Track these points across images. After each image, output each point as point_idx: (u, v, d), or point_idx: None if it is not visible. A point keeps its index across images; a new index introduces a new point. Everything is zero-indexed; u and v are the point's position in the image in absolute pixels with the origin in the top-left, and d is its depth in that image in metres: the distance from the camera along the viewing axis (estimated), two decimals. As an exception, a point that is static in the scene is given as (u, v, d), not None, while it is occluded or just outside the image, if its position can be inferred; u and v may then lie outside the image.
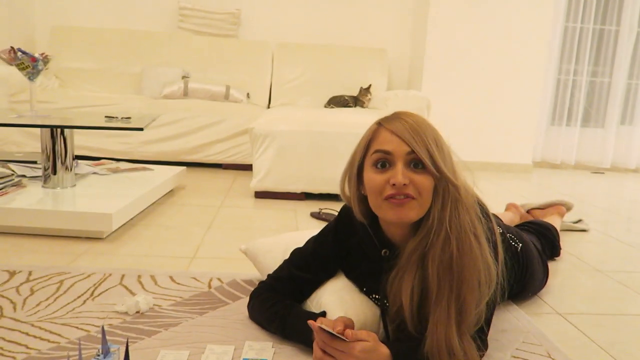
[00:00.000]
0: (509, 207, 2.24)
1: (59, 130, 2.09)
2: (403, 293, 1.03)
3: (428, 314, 1.01)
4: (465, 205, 1.02)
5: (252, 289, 1.42)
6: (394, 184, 0.99)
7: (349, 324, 1.04)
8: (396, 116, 1.05)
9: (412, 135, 0.99)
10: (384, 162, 1.02)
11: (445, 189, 1.00)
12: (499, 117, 4.00)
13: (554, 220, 2.00)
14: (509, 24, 3.89)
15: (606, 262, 1.93)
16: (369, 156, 1.05)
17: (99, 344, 1.08)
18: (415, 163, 1.00)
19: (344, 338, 0.96)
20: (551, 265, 1.82)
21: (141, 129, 1.98)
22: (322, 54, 4.00)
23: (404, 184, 0.98)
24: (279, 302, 1.20)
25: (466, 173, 1.06)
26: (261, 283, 1.28)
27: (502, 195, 2.89)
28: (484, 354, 1.07)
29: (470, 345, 1.00)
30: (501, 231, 1.24)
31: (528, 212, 2.22)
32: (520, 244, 1.41)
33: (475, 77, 3.94)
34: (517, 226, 1.79)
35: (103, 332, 0.69)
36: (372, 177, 1.03)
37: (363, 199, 1.09)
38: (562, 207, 2.18)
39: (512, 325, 1.33)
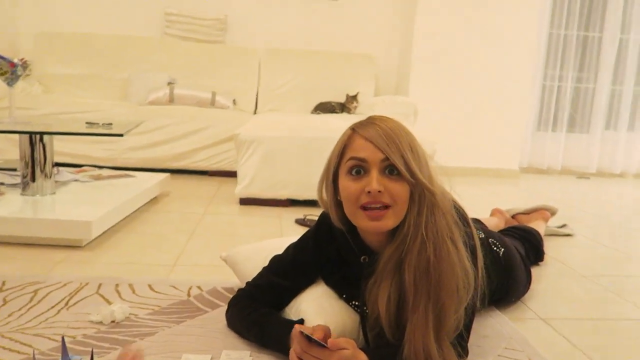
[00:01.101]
0: (494, 212, 2.24)
1: (38, 136, 2.06)
2: (379, 301, 1.02)
3: (406, 320, 1.00)
4: (442, 210, 1.01)
5: (231, 296, 1.40)
6: (369, 192, 0.98)
7: (327, 332, 1.02)
8: (370, 121, 1.03)
9: (387, 142, 0.98)
10: (359, 169, 1.01)
11: (422, 195, 0.99)
12: (486, 122, 4.02)
13: (538, 225, 2.00)
14: (496, 30, 3.92)
15: (591, 266, 1.93)
16: (344, 163, 1.03)
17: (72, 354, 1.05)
18: (390, 170, 0.99)
19: (324, 345, 0.94)
20: (535, 270, 1.82)
21: (121, 135, 1.95)
22: (310, 60, 3.99)
23: (379, 191, 0.97)
24: (257, 310, 1.18)
25: (443, 178, 1.05)
26: (240, 291, 1.26)
27: (489, 201, 2.89)
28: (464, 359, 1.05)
29: (450, 352, 0.99)
30: (482, 236, 1.23)
31: (513, 217, 2.21)
32: (503, 249, 1.40)
33: (463, 83, 3.96)
34: (501, 231, 1.79)
35: (63, 343, 0.66)
36: (347, 185, 1.02)
37: (340, 205, 1.08)
38: (546, 212, 2.18)
39: (495, 330, 1.31)
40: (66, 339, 1.16)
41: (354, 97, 3.69)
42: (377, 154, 0.98)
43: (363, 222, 1.02)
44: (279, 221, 2.35)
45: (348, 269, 1.15)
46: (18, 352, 1.10)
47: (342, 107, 3.70)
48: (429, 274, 0.97)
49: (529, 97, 4.15)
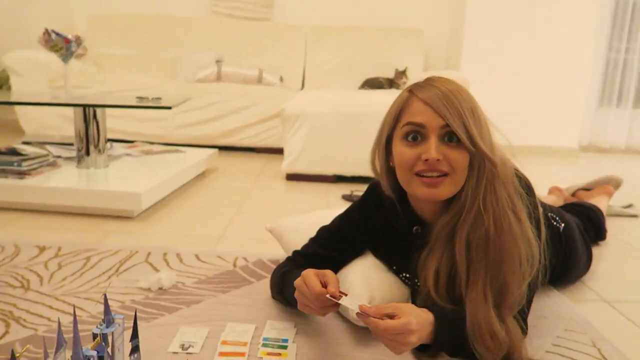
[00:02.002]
0: (552, 190, 2.12)
1: (91, 111, 2.11)
2: (427, 273, 0.97)
3: (460, 295, 0.94)
4: (503, 180, 0.95)
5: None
6: (426, 160, 0.92)
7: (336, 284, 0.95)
8: (429, 83, 0.96)
9: (447, 106, 0.91)
10: (416, 135, 0.95)
11: (481, 164, 0.93)
12: (543, 98, 3.80)
13: (601, 201, 1.86)
14: (554, 3, 3.67)
15: (659, 248, 1.79)
16: (399, 128, 0.98)
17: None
18: (449, 137, 0.93)
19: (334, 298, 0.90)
20: (597, 249, 1.70)
21: (169, 108, 1.97)
22: (357, 36, 3.90)
23: (438, 160, 0.91)
24: (291, 271, 1.13)
25: (504, 143, 0.98)
26: (287, 258, 1.23)
27: (546, 181, 2.74)
28: (525, 335, 0.99)
29: (514, 326, 0.94)
30: (540, 210, 1.15)
31: (573, 195, 2.08)
32: (563, 224, 1.30)
33: (518, 58, 3.75)
34: (559, 207, 1.68)
35: (105, 300, 0.65)
36: (402, 151, 0.96)
37: (392, 172, 1.02)
38: (608, 186, 2.03)
39: (553, 311, 1.23)
40: (115, 304, 1.18)
41: (403, 73, 3.58)
42: (437, 120, 0.92)
43: (418, 190, 0.96)
44: (325, 197, 2.31)
45: (398, 240, 1.10)
46: (70, 314, 1.12)
47: (391, 83, 3.60)
48: (488, 248, 0.91)
49: (590, 71, 3.88)
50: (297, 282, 0.97)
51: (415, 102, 0.96)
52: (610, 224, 1.90)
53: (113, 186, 1.89)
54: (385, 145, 1.02)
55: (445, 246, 0.97)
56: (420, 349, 0.96)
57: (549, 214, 1.28)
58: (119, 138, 3.18)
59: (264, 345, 1.04)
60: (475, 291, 0.92)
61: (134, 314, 0.64)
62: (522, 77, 3.78)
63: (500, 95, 3.75)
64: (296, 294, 0.97)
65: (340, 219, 1.19)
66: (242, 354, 1.01)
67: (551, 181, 2.23)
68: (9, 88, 3.43)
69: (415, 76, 3.59)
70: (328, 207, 2.16)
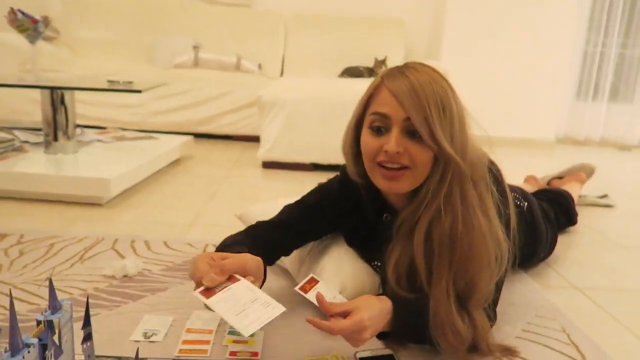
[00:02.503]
0: (528, 179, 2.12)
1: (59, 95, 2.04)
2: (389, 265, 0.96)
3: (421, 287, 0.93)
4: (474, 179, 0.92)
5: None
6: (386, 151, 0.90)
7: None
8: (402, 71, 0.92)
9: (412, 100, 0.88)
10: (380, 127, 0.93)
11: (447, 162, 0.90)
12: (521, 91, 3.82)
13: (572, 187, 1.88)
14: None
15: (630, 238, 1.81)
16: (367, 115, 0.96)
17: (82, 307, 1.03)
18: (413, 131, 0.90)
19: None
20: (568, 237, 1.72)
21: (139, 92, 1.91)
22: (337, 25, 3.85)
23: (398, 153, 0.90)
24: (244, 232, 1.08)
25: (482, 138, 0.96)
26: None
27: (523, 172, 2.75)
28: (493, 324, 0.99)
29: (482, 317, 0.94)
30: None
31: (548, 183, 2.09)
32: (526, 203, 1.32)
33: (498, 50, 3.76)
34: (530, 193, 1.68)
35: (51, 285, 0.62)
36: (367, 140, 0.95)
37: (360, 157, 1.00)
38: (581, 174, 2.04)
39: (523, 297, 1.23)
40: (77, 292, 1.14)
41: (383, 62, 3.56)
42: (400, 112, 0.89)
43: (378, 180, 0.96)
44: (301, 185, 2.29)
45: (369, 227, 1.08)
46: (28, 302, 1.08)
47: (370, 72, 3.57)
48: (455, 246, 0.90)
49: (568, 64, 3.91)
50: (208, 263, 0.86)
51: (383, 91, 0.93)
52: (585, 214, 1.92)
53: (81, 172, 1.83)
54: (355, 129, 1.00)
55: (406, 240, 0.96)
56: (381, 337, 0.95)
57: (513, 194, 1.27)
58: (92, 125, 3.10)
59: (230, 333, 1.01)
60: (438, 288, 0.91)
61: (92, 301, 0.61)
62: (501, 69, 3.79)
63: (479, 87, 3.76)
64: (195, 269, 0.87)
65: (315, 193, 1.16)
66: (207, 342, 0.98)
67: (527, 172, 2.23)
68: (-24, 71, 3.30)
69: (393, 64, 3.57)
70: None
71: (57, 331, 0.61)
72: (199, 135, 3.20)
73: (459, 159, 0.89)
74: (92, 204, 1.81)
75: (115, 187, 1.82)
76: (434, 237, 0.91)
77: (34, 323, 0.88)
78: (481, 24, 3.73)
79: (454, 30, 3.75)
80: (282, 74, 3.82)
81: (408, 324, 0.92)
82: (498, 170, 1.02)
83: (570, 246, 1.64)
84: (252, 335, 1.00)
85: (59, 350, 0.60)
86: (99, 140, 2.37)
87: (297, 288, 0.98)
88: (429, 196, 0.92)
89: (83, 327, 0.68)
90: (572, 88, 4.14)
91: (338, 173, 1.16)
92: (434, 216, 0.91)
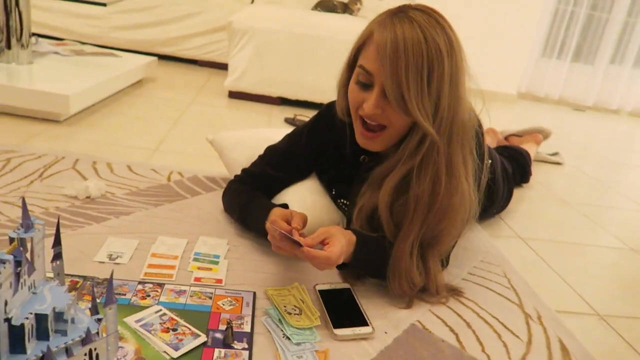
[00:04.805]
0: (488, 131, 2.19)
1: (13, 0, 1.89)
2: (355, 207, 0.99)
3: (378, 231, 0.98)
4: (461, 141, 0.92)
5: (213, 185, 1.37)
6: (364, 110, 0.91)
7: (304, 220, 0.98)
8: (392, 20, 0.86)
9: (390, 63, 0.84)
10: (365, 83, 0.91)
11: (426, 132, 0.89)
12: (488, 42, 3.84)
13: (530, 147, 1.97)
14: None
15: (574, 194, 1.93)
16: (357, 64, 0.93)
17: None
18: None
19: (296, 240, 0.90)
20: (519, 192, 1.81)
21: (104, 5, 1.80)
22: (315, -48, 3.68)
23: (375, 113, 0.90)
24: (245, 193, 1.15)
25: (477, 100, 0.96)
26: (236, 176, 1.21)
27: (484, 111, 2.83)
28: (444, 269, 1.06)
29: (436, 265, 0.99)
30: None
31: (506, 138, 2.18)
32: (490, 161, 1.37)
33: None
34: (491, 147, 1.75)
35: (24, 204, 0.61)
36: (352, 90, 0.95)
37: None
38: (539, 135, 2.14)
39: (473, 244, 1.32)
40: (37, 210, 1.13)
41: (358, -2, 3.46)
42: (382, 72, 0.86)
43: (357, 133, 0.98)
44: (268, 118, 2.27)
45: (344, 165, 1.10)
46: (-13, 217, 1.06)
47: (345, 8, 3.47)
48: (433, 206, 0.92)
49: (537, 20, 3.94)
50: (268, 226, 0.95)
51: (371, 45, 0.89)
52: (535, 170, 2.02)
53: (38, 86, 1.74)
54: (347, 70, 0.98)
55: (375, 188, 0.98)
56: (339, 267, 1.01)
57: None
58: (46, 34, 2.91)
59: (195, 259, 1.04)
60: (404, 243, 0.94)
61: (57, 220, 0.61)
62: (472, 18, 3.78)
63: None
64: (269, 237, 0.95)
65: (289, 139, 1.17)
66: (172, 267, 1.00)
67: (487, 123, 2.31)
68: None
69: (370, 4, 3.48)
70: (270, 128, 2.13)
71: (29, 249, 0.61)
72: (162, 57, 3.07)
73: (434, 131, 0.87)
74: (49, 120, 1.74)
75: (74, 105, 1.75)
76: (410, 193, 0.92)
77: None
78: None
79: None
80: (253, -1, 3.66)
81: (368, 259, 0.97)
82: (482, 134, 1.04)
83: (520, 200, 1.74)
84: (216, 263, 1.04)
85: (31, 267, 0.60)
86: (55, 53, 2.24)
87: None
88: (405, 156, 0.92)
89: (53, 246, 0.69)
90: (539, 45, 4.20)
91: (309, 114, 1.16)
92: (409, 173, 0.92)
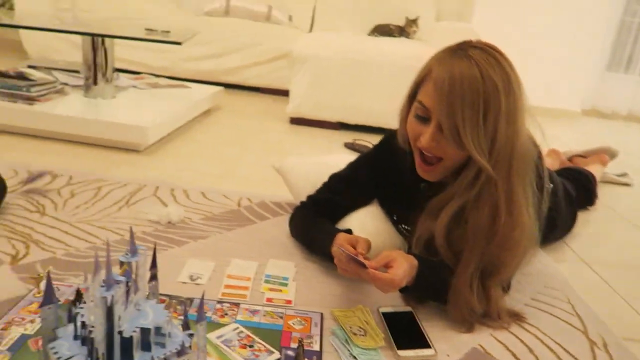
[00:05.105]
0: (550, 152, 2.16)
1: (100, 40, 2.10)
2: (414, 234, 1.03)
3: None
4: (520, 174, 0.94)
5: (279, 210, 1.46)
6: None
7: (368, 245, 1.04)
8: (449, 59, 0.91)
9: (446, 97, 0.88)
10: (423, 117, 0.96)
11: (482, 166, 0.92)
12: (551, 57, 3.76)
13: (595, 169, 1.93)
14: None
15: (644, 217, 1.87)
16: (417, 97, 0.98)
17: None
18: None
19: (363, 264, 0.96)
20: (585, 214, 1.78)
21: (179, 43, 1.96)
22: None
23: (431, 146, 0.95)
24: (310, 218, 1.23)
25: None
26: (302, 202, 1.30)
27: (544, 142, 2.78)
28: (506, 294, 1.09)
29: (497, 292, 1.01)
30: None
31: (570, 159, 2.13)
32: (552, 185, 1.37)
33: (531, 13, 3.68)
34: (554, 171, 1.73)
35: (131, 233, 0.72)
36: (411, 122, 1.00)
37: None
38: (605, 155, 2.08)
39: (536, 269, 1.32)
40: (126, 234, 1.25)
41: (414, 22, 3.51)
42: (439, 108, 0.91)
43: (416, 162, 1.02)
44: (328, 142, 2.36)
45: (405, 192, 1.14)
46: (86, 240, 1.20)
47: (401, 31, 3.54)
48: (494, 236, 0.94)
49: (603, 32, 3.82)
50: (334, 250, 1.03)
51: (430, 81, 0.94)
52: (602, 191, 1.97)
53: (121, 118, 1.92)
54: (408, 100, 1.03)
55: (431, 220, 1.01)
56: (401, 290, 1.05)
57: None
58: (123, 67, 3.16)
59: (266, 281, 1.12)
60: (464, 274, 0.96)
61: (153, 246, 0.71)
62: (533, 33, 3.73)
63: (507, 50, 3.71)
64: (335, 261, 1.02)
65: (352, 167, 1.24)
66: (246, 288, 1.09)
67: (549, 143, 2.27)
68: (11, 7, 3.35)
69: (426, 26, 3.53)
70: (330, 153, 2.21)
71: (134, 271, 0.71)
72: (225, 85, 3.25)
73: (490, 166, 0.91)
74: (130, 149, 1.91)
75: (152, 135, 1.91)
76: (469, 225, 0.95)
77: (93, 259, 1.00)
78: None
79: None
80: (312, 27, 3.80)
81: (430, 284, 1.01)
82: (541, 165, 1.05)
83: (585, 222, 1.71)
84: (285, 285, 1.12)
85: (136, 287, 0.70)
86: (134, 87, 2.45)
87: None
88: (461, 189, 0.96)
89: (150, 268, 0.79)
90: (604, 58, 4.06)
91: (368, 138, 1.22)
92: (466, 205, 0.96)
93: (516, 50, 3.97)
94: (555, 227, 1.42)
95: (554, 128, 3.42)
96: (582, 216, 1.76)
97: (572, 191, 1.57)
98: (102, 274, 0.64)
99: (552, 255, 1.44)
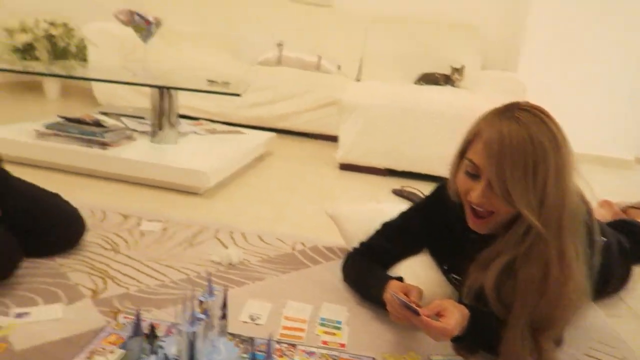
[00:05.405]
0: (602, 204, 2.14)
1: (166, 90, 2.28)
2: (464, 284, 1.06)
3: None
4: (570, 231, 0.97)
5: (332, 255, 1.52)
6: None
7: (420, 294, 1.08)
8: (498, 121, 0.96)
9: (496, 157, 0.94)
10: (473, 174, 1.01)
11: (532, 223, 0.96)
12: (601, 103, 3.73)
13: (651, 221, 1.89)
14: (626, 6, 3.57)
15: None
16: (467, 154, 1.04)
17: (196, 286, 1.24)
18: None
19: (416, 310, 1.00)
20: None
21: (238, 95, 2.11)
22: (415, 29, 3.92)
23: (481, 202, 1.00)
24: (363, 264, 1.28)
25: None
26: (354, 249, 1.36)
27: (597, 192, 2.74)
28: (559, 347, 1.09)
29: (549, 345, 1.02)
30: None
31: (624, 211, 2.10)
32: (603, 239, 1.37)
33: (578, 60, 3.69)
34: (607, 224, 1.72)
35: (209, 277, 0.80)
36: (461, 178, 1.05)
37: None
38: (661, 208, 2.04)
39: (590, 324, 1.31)
40: (191, 274, 1.35)
41: (459, 70, 3.60)
42: (488, 167, 0.97)
43: (467, 215, 1.07)
44: (376, 189, 2.43)
45: (455, 243, 1.18)
46: (155, 278, 1.30)
47: (447, 79, 3.62)
48: (545, 293, 0.96)
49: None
50: (387, 297, 1.08)
51: (479, 142, 0.99)
52: (656, 244, 1.93)
53: (184, 163, 2.06)
54: (459, 155, 1.08)
55: (481, 272, 1.04)
56: (453, 340, 1.07)
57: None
58: (184, 113, 3.37)
59: (321, 324, 1.18)
60: (515, 328, 0.98)
61: (224, 288, 0.79)
62: (582, 79, 3.72)
63: (556, 98, 3.71)
64: (388, 307, 1.08)
65: (404, 216, 1.30)
66: (302, 330, 1.15)
67: (602, 193, 2.24)
68: (84, 58, 3.67)
69: (471, 74, 3.60)
70: (378, 199, 2.28)
71: (210, 310, 0.79)
72: (276, 131, 3.41)
73: (539, 224, 0.94)
74: (191, 192, 2.04)
75: (212, 179, 2.04)
76: (519, 279, 0.98)
77: (164, 297, 1.09)
78: (562, 34, 3.68)
79: (532, 39, 3.72)
80: (359, 75, 3.95)
81: (482, 334, 1.04)
82: (591, 221, 1.07)
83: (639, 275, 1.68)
84: (339, 328, 1.17)
85: (212, 325, 0.78)
86: (194, 132, 2.62)
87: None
88: (510, 243, 1.00)
89: (221, 308, 0.87)
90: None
91: (415, 185, 1.28)
92: (515, 259, 0.99)
93: (565, 98, 3.97)
94: (607, 282, 1.41)
95: (605, 176, 3.35)
96: (637, 268, 1.73)
97: (627, 244, 1.56)
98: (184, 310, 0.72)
99: (605, 309, 1.42)
